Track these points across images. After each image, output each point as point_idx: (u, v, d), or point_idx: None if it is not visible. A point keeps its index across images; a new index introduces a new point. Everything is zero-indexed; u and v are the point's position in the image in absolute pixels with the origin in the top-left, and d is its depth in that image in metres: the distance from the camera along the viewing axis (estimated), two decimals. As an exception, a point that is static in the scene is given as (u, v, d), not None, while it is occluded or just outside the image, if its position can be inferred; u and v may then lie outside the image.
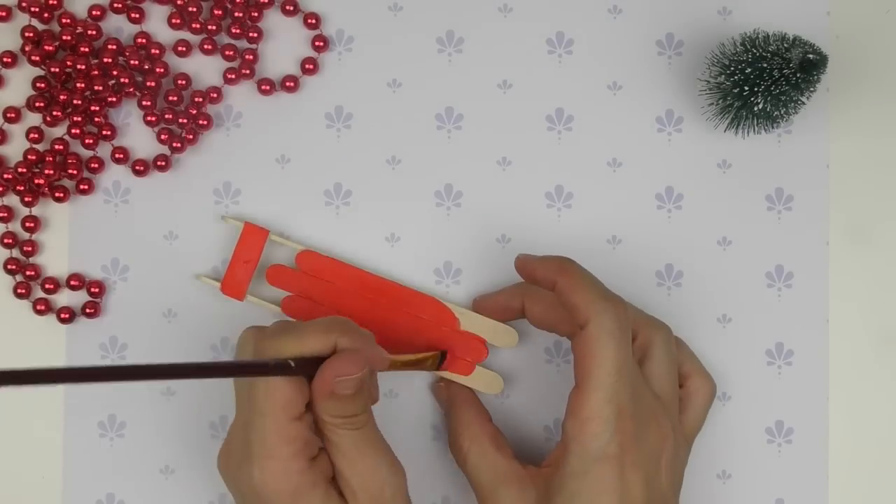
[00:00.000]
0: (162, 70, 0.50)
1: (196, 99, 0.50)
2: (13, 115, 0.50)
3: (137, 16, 0.51)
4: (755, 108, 0.47)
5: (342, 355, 0.42)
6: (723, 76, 0.48)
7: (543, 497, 0.43)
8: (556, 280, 0.44)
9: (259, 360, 0.41)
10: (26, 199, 0.50)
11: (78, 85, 0.49)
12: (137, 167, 0.50)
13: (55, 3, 0.50)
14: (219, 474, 0.44)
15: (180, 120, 0.50)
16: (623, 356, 0.42)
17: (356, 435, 0.43)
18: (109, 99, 0.50)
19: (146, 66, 0.50)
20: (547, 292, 0.46)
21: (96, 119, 0.50)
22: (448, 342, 0.49)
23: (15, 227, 0.50)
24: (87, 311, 0.50)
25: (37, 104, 0.50)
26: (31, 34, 0.50)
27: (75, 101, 0.49)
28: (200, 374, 0.39)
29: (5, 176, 0.50)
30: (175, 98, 0.50)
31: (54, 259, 0.50)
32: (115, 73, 0.50)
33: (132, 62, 0.50)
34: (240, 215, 0.50)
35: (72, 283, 0.50)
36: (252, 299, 0.49)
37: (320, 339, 0.42)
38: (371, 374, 0.44)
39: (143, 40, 0.50)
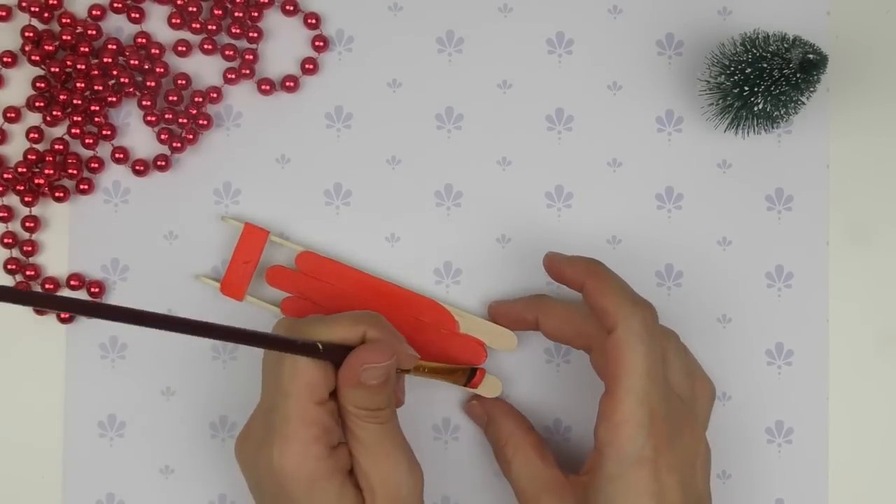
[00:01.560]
0: (162, 70, 0.50)
1: (196, 99, 0.50)
2: (13, 114, 0.50)
3: (137, 16, 0.51)
4: (755, 108, 0.47)
5: (370, 344, 0.43)
6: (723, 76, 0.48)
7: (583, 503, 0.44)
8: (585, 282, 0.44)
9: (288, 337, 0.42)
10: (26, 199, 0.50)
11: (78, 85, 0.49)
12: (137, 167, 0.50)
13: (55, 2, 0.50)
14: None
15: (180, 120, 0.50)
16: (653, 359, 0.42)
17: (379, 430, 0.43)
18: (109, 99, 0.50)
19: (146, 66, 0.50)
20: (561, 307, 0.47)
21: (96, 119, 0.50)
22: (447, 344, 0.49)
23: (15, 227, 0.50)
24: (87, 311, 0.50)
25: (37, 104, 0.50)
26: (31, 34, 0.50)
27: (75, 101, 0.49)
28: (228, 337, 0.40)
29: (5, 176, 0.50)
30: (175, 98, 0.50)
31: (54, 259, 0.50)
32: (115, 72, 0.50)
33: (132, 62, 0.50)
34: (240, 215, 0.50)
35: (72, 283, 0.50)
36: (251, 300, 0.49)
37: (350, 328, 0.43)
38: (398, 377, 0.45)
39: (143, 40, 0.50)
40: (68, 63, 0.49)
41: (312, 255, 0.49)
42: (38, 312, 0.50)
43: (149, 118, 0.50)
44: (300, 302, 0.49)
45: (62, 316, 0.50)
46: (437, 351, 0.48)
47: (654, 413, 0.42)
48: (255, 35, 0.51)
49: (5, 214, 0.50)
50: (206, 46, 0.51)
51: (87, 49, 0.50)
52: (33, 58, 0.50)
